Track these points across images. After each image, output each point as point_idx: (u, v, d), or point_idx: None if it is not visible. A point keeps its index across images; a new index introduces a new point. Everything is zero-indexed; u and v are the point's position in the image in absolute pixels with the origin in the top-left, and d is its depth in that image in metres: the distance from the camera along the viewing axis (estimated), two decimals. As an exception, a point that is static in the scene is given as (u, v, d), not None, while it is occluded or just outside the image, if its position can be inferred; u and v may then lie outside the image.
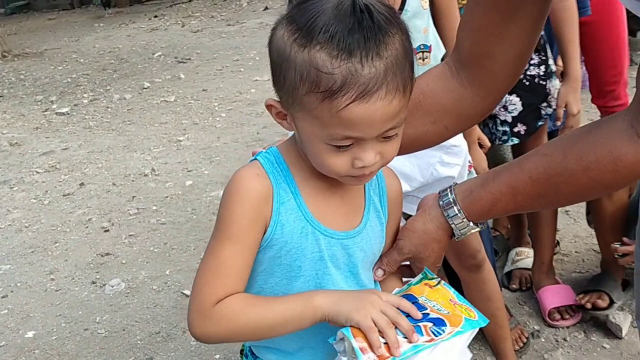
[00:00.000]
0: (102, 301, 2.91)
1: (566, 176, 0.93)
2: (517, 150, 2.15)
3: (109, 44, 9.21)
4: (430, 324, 0.94)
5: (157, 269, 3.11)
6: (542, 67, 2.03)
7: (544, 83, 2.08)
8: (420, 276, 1.07)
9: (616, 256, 2.07)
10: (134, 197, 3.99)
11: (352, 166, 0.93)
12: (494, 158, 2.35)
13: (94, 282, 3.08)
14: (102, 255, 3.31)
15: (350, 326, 0.93)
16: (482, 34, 1.04)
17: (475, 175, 1.74)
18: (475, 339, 1.50)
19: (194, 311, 0.99)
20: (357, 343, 0.91)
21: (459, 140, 1.66)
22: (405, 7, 1.65)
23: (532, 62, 2.01)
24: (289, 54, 0.89)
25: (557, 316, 2.24)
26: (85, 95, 6.59)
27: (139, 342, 2.58)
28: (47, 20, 12.67)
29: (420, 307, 0.98)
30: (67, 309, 2.88)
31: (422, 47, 1.72)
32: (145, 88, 6.53)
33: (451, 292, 1.03)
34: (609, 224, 2.19)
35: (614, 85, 2.55)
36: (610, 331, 2.17)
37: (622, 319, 2.14)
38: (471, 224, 1.04)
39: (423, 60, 1.73)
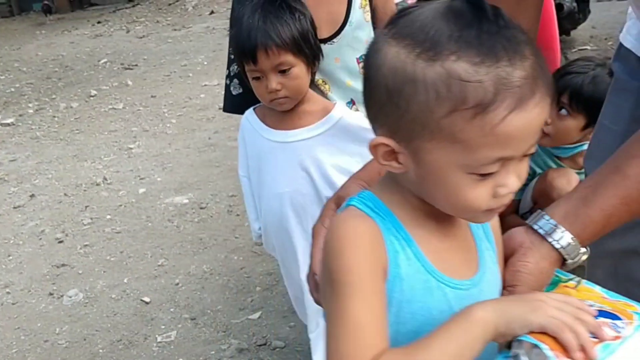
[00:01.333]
0: (61, 312, 2.92)
1: None
2: None
3: (52, 52, 9.04)
4: (608, 320, 0.80)
5: (115, 277, 3.13)
6: None
7: None
8: (554, 279, 0.94)
9: None
10: (86, 206, 3.98)
11: (494, 196, 0.79)
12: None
13: (51, 294, 3.08)
14: (57, 267, 3.31)
15: (529, 333, 0.78)
16: None
17: None
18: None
19: None
20: (549, 350, 0.75)
21: None
22: (350, 19, 1.75)
23: None
24: (414, 74, 0.74)
25: None
26: (30, 105, 6.48)
27: (100, 350, 2.61)
28: (-15, 28, 12.31)
29: None
30: (25, 322, 2.88)
31: (364, 57, 1.82)
32: (92, 96, 6.46)
33: (597, 290, 0.91)
34: None
35: (554, 41, 2.73)
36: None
37: None
38: (582, 249, 0.93)
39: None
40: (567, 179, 2.01)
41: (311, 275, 1.02)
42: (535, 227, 0.93)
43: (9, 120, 5.99)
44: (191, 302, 2.83)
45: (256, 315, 2.65)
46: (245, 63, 1.60)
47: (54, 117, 6.00)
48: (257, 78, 1.60)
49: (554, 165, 2.10)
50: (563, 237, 0.92)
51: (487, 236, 0.93)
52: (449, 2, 0.76)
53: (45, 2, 12.94)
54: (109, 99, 6.30)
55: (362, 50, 1.81)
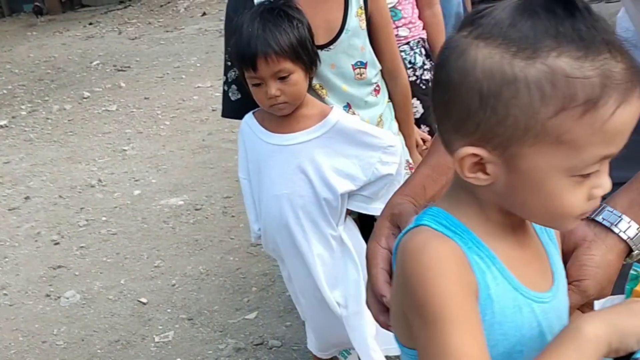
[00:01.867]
0: (58, 313, 2.94)
1: None
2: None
3: (44, 53, 9.03)
4: None
5: (112, 278, 3.16)
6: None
7: None
8: (632, 274, 0.91)
9: None
10: (82, 208, 4.01)
11: (589, 199, 0.75)
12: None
13: (48, 295, 3.10)
14: (54, 268, 3.34)
15: None
16: None
17: None
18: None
19: None
20: None
21: (394, 140, 1.80)
22: (346, 27, 1.79)
23: (425, 67, 2.25)
24: (513, 74, 0.70)
25: None
26: (23, 106, 6.48)
27: (98, 351, 2.64)
28: (-24, 29, 12.28)
29: None
30: (22, 323, 2.91)
31: (359, 63, 1.88)
32: (85, 98, 6.47)
33: None
34: None
35: None
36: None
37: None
38: None
39: (360, 75, 1.89)
40: None
41: (373, 298, 0.95)
42: (599, 219, 0.91)
43: (1, 123, 5.99)
44: (188, 303, 2.86)
45: (252, 315, 2.69)
46: (245, 70, 1.64)
47: (47, 119, 6.00)
48: (257, 84, 1.65)
49: None
50: (630, 228, 0.90)
51: (551, 238, 0.88)
52: None
53: (36, 3, 12.92)
54: (102, 100, 6.31)
55: (357, 57, 1.86)
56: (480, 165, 0.75)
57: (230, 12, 2.02)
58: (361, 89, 1.90)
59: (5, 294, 3.17)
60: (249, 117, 1.82)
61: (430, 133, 2.25)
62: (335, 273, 1.80)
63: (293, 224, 1.76)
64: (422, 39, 2.29)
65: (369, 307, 1.00)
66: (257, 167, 1.81)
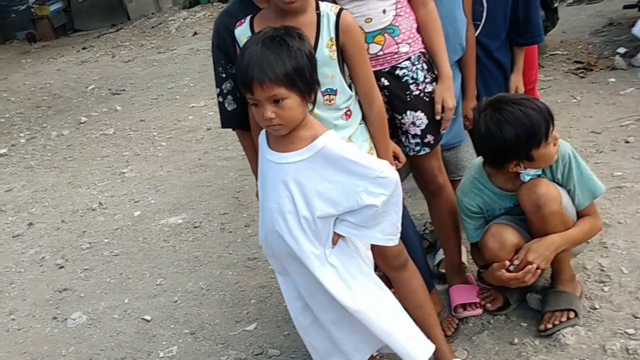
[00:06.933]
0: (66, 335, 3.05)
1: None
2: (423, 161, 2.44)
3: (40, 80, 9.19)
4: None
5: (116, 298, 3.27)
6: (434, 84, 2.34)
7: None
8: None
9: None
10: (84, 232, 4.12)
11: None
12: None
13: (55, 318, 3.21)
14: (60, 291, 3.45)
15: None
16: None
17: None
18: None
19: None
20: None
21: (388, 172, 1.83)
22: (316, 57, 1.90)
23: (426, 80, 2.29)
24: None
25: (460, 309, 2.54)
26: (21, 134, 6.62)
27: (106, 368, 2.75)
28: (-29, 58, 12.44)
29: None
30: (31, 346, 3.01)
31: (329, 90, 1.99)
32: (82, 123, 6.61)
33: None
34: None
35: (532, 83, 2.95)
36: (525, 312, 2.49)
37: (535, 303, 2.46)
38: None
39: (330, 101, 2.00)
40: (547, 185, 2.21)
41: None
42: None
43: (1, 151, 6.13)
44: (190, 318, 2.97)
45: (252, 326, 2.80)
46: (244, 92, 1.76)
47: (46, 145, 6.14)
48: (255, 104, 1.77)
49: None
50: None
51: None
52: None
53: (29, 30, 13.11)
54: (99, 124, 6.45)
55: (327, 85, 1.97)
56: None
57: (219, 27, 2.15)
58: (331, 113, 2.01)
59: (13, 319, 3.27)
60: (263, 131, 1.93)
61: (436, 141, 2.35)
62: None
63: (285, 233, 1.86)
64: (422, 52, 2.29)
65: None
66: (262, 178, 1.95)
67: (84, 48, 11.12)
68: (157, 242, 3.80)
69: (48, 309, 3.31)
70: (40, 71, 9.91)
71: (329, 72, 1.94)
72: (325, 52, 1.94)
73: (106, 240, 3.94)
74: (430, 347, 2.06)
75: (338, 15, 1.96)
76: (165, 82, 7.63)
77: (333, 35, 1.95)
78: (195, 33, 10.25)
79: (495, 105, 2.19)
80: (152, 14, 12.48)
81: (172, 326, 2.94)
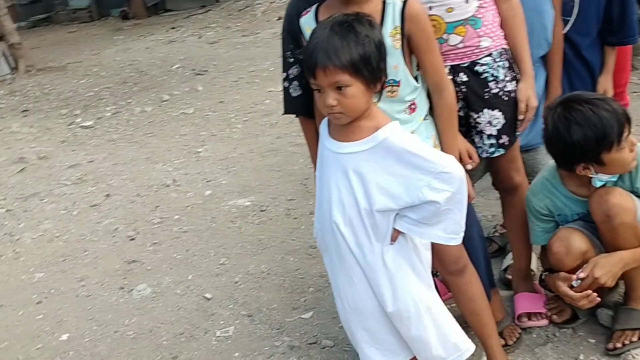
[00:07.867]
0: (130, 305, 3.15)
1: None
2: (498, 161, 2.34)
3: (129, 57, 9.50)
4: None
5: (180, 274, 3.35)
6: (515, 83, 2.22)
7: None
8: None
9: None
10: (157, 207, 4.24)
11: None
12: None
13: (122, 288, 3.32)
14: (128, 263, 3.56)
15: None
16: None
17: None
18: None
19: None
20: None
21: (453, 168, 1.73)
22: None
23: (506, 79, 2.18)
24: None
25: (525, 319, 2.43)
26: (107, 108, 6.88)
27: (164, 342, 2.81)
28: (68, 33, 13.03)
29: None
30: (97, 313, 3.13)
31: (391, 81, 1.92)
32: (165, 100, 6.79)
33: None
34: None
35: (623, 87, 2.78)
36: (594, 328, 2.35)
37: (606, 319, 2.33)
38: None
39: (392, 92, 1.93)
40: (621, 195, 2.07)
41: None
42: None
43: (88, 123, 6.40)
44: (249, 300, 3.00)
45: (308, 314, 2.79)
46: (308, 77, 1.73)
47: (129, 120, 6.35)
48: (318, 90, 1.73)
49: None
50: None
51: None
52: None
53: (124, 8, 13.60)
54: (180, 103, 6.61)
55: (390, 75, 1.88)
56: None
57: (291, 11, 2.12)
58: (393, 106, 1.94)
59: (83, 285, 3.41)
60: (325, 120, 1.88)
61: (510, 142, 2.25)
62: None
63: (342, 225, 1.81)
64: (505, 49, 2.19)
65: None
66: (320, 168, 1.90)
67: (172, 28, 11.41)
68: (224, 222, 3.85)
69: (116, 279, 3.42)
70: (130, 48, 10.25)
71: (391, 62, 1.86)
72: (389, 41, 1.87)
73: (176, 217, 4.03)
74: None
75: (404, 3, 1.89)
76: (247, 65, 7.71)
77: (398, 23, 1.88)
78: (280, 18, 10.29)
79: (566, 104, 2.07)
80: (241, -4, 12.64)
81: (230, 306, 2.98)
